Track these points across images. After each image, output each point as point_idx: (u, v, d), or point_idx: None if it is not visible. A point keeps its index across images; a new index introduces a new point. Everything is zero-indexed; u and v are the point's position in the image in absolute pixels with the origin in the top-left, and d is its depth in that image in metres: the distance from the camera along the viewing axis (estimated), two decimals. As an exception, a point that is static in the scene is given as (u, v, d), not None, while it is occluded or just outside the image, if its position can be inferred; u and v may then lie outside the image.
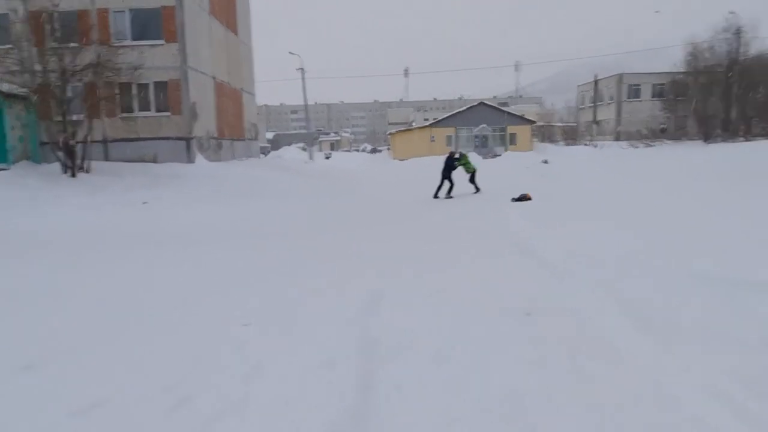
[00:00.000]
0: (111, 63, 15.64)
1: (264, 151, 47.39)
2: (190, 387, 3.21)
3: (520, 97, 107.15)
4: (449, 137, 40.98)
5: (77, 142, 15.68)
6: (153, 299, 5.25)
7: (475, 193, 15.64)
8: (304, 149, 53.87)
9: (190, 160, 19.00)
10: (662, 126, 36.47)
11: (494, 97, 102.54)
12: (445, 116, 44.01)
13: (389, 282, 5.55)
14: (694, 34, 29.56)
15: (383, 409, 2.84)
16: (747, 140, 26.16)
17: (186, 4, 18.39)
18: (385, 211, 12.87)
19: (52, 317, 4.77)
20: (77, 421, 2.87)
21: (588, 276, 5.27)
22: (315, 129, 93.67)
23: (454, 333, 3.95)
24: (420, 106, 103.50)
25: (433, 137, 41.11)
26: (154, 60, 18.19)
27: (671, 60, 35.52)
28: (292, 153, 47.92)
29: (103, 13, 17.92)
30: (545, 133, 46.61)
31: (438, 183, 15.39)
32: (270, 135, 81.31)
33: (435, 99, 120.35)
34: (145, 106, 18.78)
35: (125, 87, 17.88)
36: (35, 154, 17.09)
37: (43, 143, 16.79)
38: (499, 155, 37.38)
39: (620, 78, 47.45)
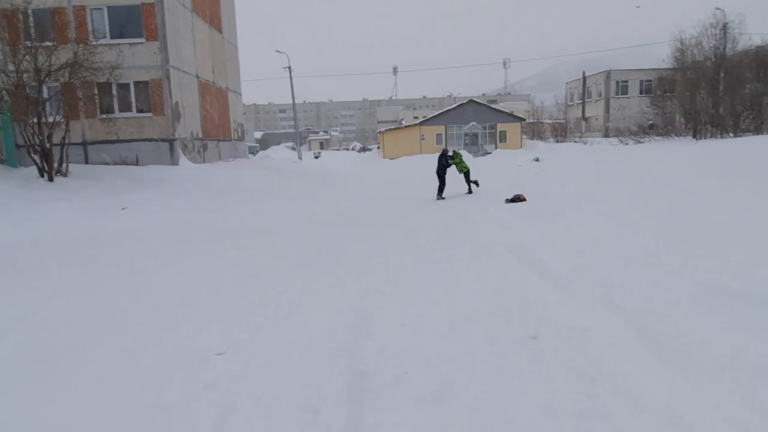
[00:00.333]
0: (88, 62, 15.03)
1: (252, 151, 46.66)
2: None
3: (509, 94, 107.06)
4: (439, 135, 40.66)
5: (54, 145, 15.07)
6: (97, 329, 4.71)
7: (468, 193, 15.29)
8: (293, 149, 53.22)
9: (173, 162, 18.42)
10: (650, 122, 36.43)
11: (483, 94, 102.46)
12: (434, 114, 43.68)
13: (381, 298, 5.15)
14: (682, 30, 29.42)
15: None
16: (736, 136, 26.12)
17: (166, 0, 17.78)
18: (372, 217, 12.47)
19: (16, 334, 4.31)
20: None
21: (595, 290, 4.91)
22: (304, 128, 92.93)
23: (452, 362, 3.56)
24: (409, 105, 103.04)
25: (423, 135, 40.75)
26: (134, 59, 17.59)
27: (659, 58, 35.51)
28: (280, 152, 47.23)
29: (80, 10, 17.27)
30: (535, 131, 46.44)
31: (438, 184, 15.01)
32: (259, 134, 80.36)
33: (424, 97, 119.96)
34: (125, 107, 18.17)
35: (105, 87, 17.27)
36: (11, 158, 16.43)
37: (18, 146, 16.15)
38: (489, 153, 37.13)
39: (608, 74, 47.48)
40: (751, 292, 4.13)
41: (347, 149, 69.19)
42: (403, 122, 62.33)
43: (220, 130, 23.71)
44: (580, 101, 51.35)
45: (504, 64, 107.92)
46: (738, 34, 27.53)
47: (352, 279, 5.94)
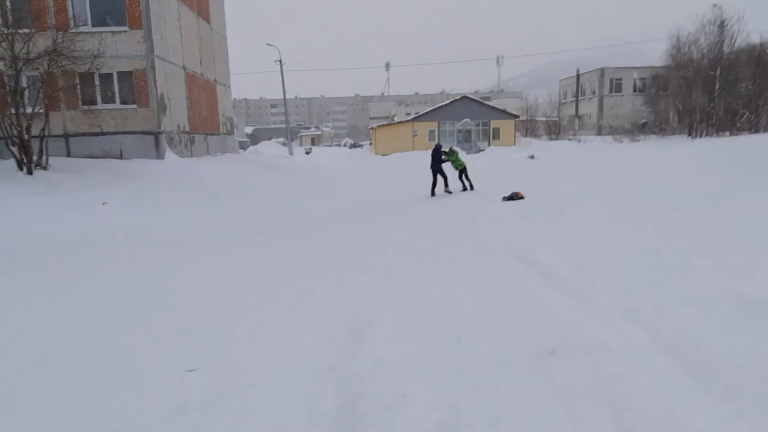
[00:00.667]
0: (69, 50, 14.36)
1: (243, 146, 45.94)
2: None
3: (502, 91, 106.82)
4: (432, 132, 40.22)
5: (33, 137, 14.42)
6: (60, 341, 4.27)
7: (463, 190, 14.86)
8: (284, 144, 52.50)
9: (159, 155, 17.79)
10: (643, 120, 36.28)
11: (476, 91, 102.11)
12: (427, 110, 43.20)
13: (379, 309, 4.71)
14: (679, 27, 29.25)
15: None
16: (732, 134, 25.96)
17: (151, -13, 17.10)
18: (370, 217, 12.01)
19: None
20: None
21: (604, 294, 4.49)
22: (296, 123, 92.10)
23: (459, 383, 3.11)
24: (402, 101, 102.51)
25: (415, 132, 40.29)
26: (117, 48, 16.92)
27: (653, 57, 35.36)
28: (271, 148, 46.43)
29: (61, -4, 16.55)
30: (528, 128, 46.13)
31: (432, 180, 14.59)
32: (250, 129, 79.54)
33: (417, 93, 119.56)
34: (108, 98, 17.50)
35: (86, 77, 16.60)
36: (-13, 150, 15.73)
37: (-5, 138, 15.45)
38: (483, 150, 36.75)
39: (602, 72, 47.26)
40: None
41: (339, 145, 68.54)
42: (396, 118, 61.80)
43: (209, 123, 23.07)
44: (574, 99, 51.14)
45: (497, 60, 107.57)
46: (736, 32, 27.34)
47: (352, 279, 5.74)
